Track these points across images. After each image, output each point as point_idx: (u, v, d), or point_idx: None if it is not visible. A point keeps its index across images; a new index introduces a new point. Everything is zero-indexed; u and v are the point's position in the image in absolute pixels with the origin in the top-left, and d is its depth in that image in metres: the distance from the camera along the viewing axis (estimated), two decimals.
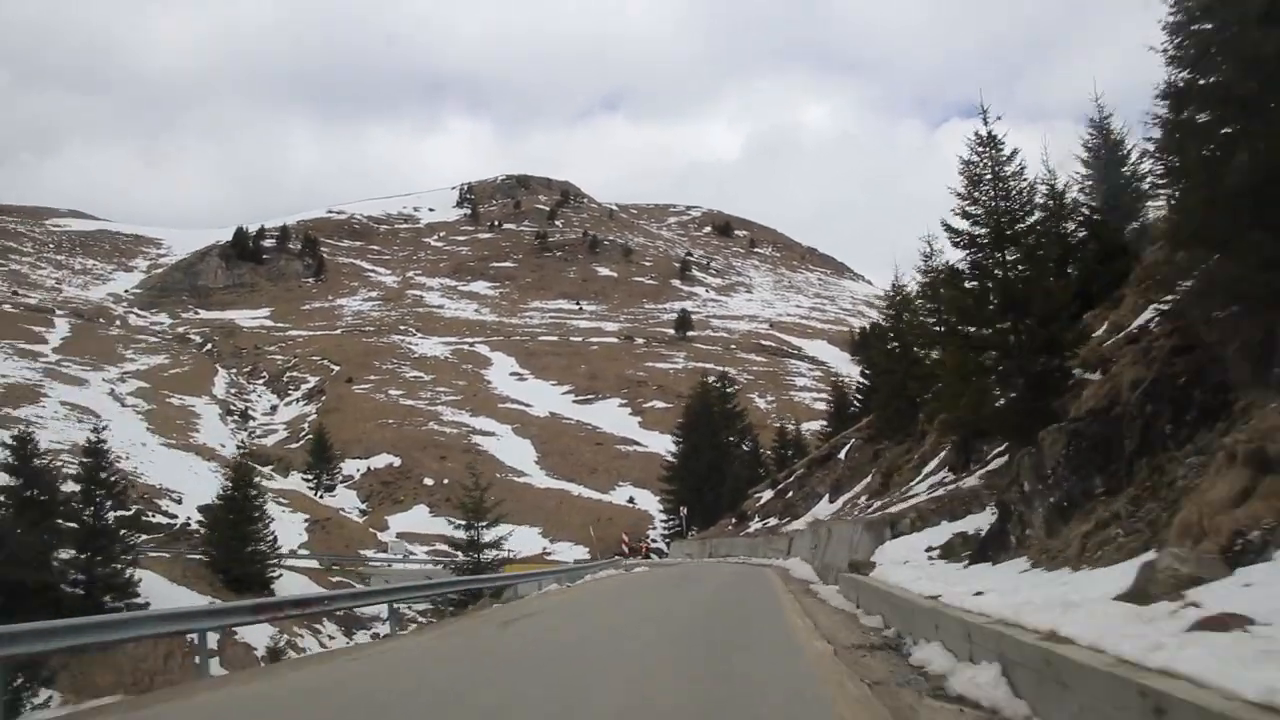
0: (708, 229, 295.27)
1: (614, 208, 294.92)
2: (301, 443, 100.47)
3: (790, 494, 51.74)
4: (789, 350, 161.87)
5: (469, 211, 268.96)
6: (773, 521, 50.79)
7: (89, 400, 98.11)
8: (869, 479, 40.32)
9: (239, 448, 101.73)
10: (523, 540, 77.32)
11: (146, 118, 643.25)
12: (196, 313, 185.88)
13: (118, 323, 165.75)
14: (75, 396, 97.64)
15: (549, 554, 72.98)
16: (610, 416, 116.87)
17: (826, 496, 45.55)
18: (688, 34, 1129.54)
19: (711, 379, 79.90)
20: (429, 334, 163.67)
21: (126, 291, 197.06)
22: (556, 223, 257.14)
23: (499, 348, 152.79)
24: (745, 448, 69.59)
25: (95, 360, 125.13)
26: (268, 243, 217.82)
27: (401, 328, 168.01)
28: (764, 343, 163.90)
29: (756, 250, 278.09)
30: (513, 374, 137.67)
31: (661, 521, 72.82)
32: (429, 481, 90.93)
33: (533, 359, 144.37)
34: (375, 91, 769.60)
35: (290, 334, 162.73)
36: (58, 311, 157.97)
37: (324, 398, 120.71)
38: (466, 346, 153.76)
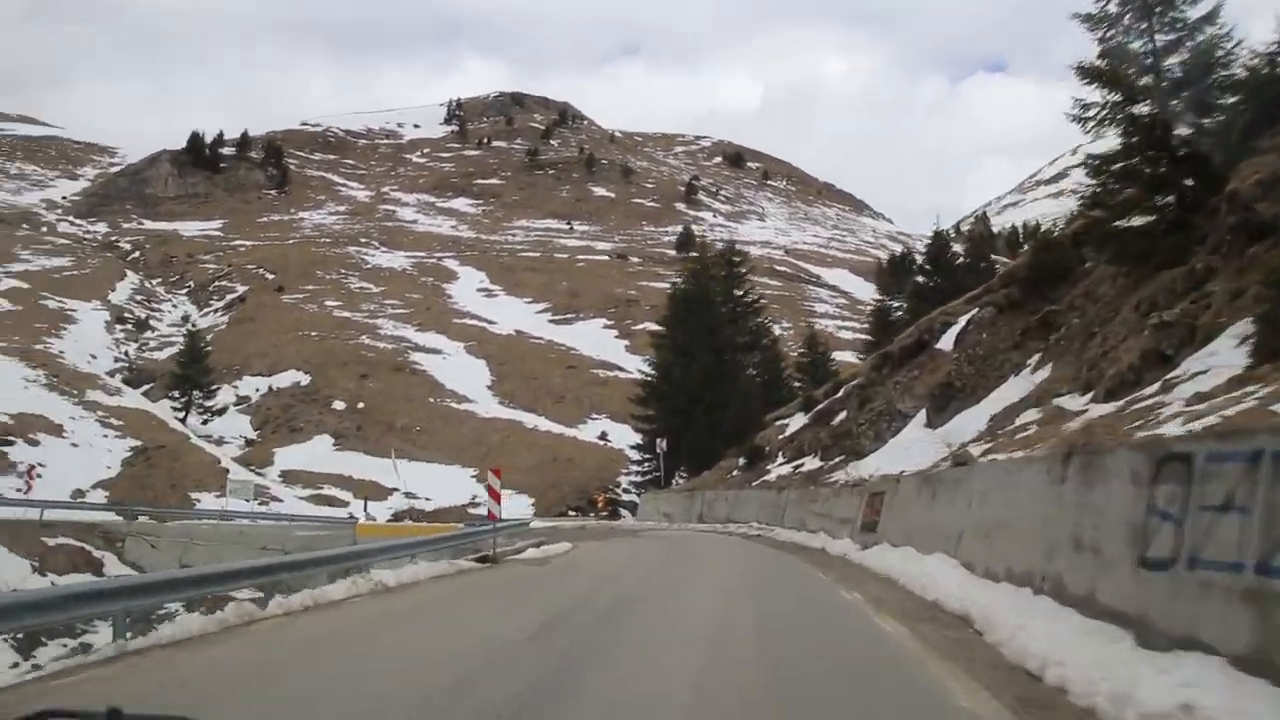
0: (718, 159, 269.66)
1: (616, 133, 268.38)
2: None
3: (842, 417, 30.32)
4: (807, 277, 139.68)
5: (457, 129, 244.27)
6: (809, 464, 29.54)
7: None
8: (1030, 370, 18.99)
9: (117, 359, 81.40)
10: (446, 484, 56.56)
11: (150, 49, 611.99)
12: (140, 223, 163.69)
13: (44, 229, 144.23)
14: None
15: (477, 504, 52.03)
16: (591, 338, 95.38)
17: (921, 415, 24.22)
18: None
19: (716, 252, 57.63)
20: (394, 248, 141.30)
21: (64, 198, 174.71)
22: (552, 142, 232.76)
23: (470, 262, 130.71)
24: (758, 360, 47.85)
25: None
26: (227, 151, 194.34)
27: (364, 240, 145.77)
28: (779, 268, 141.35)
29: (770, 183, 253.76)
30: (480, 289, 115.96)
31: (635, 464, 51.42)
32: (339, 405, 69.95)
33: (507, 274, 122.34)
34: (390, 32, 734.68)
35: (234, 244, 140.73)
36: None
37: (243, 306, 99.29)
38: (433, 260, 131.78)
